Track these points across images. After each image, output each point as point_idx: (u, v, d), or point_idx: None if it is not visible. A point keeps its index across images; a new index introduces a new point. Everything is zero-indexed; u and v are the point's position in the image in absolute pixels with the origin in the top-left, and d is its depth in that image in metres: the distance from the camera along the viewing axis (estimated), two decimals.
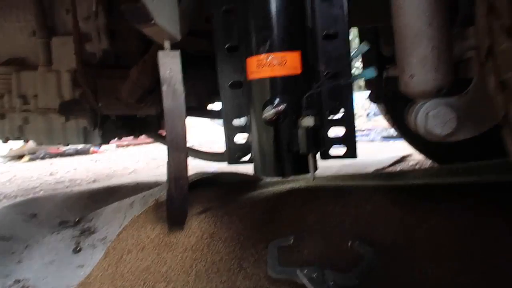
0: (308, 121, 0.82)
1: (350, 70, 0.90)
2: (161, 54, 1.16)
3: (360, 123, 6.36)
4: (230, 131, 1.03)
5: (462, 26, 0.94)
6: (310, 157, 0.85)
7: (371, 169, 3.13)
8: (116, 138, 1.95)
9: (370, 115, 6.80)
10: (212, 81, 1.93)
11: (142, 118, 2.04)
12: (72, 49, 1.68)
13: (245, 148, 1.02)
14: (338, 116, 0.94)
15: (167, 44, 1.20)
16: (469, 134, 0.71)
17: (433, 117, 0.71)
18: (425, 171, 1.63)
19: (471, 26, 0.92)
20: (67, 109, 1.73)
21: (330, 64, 0.92)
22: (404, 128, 2.81)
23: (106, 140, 1.81)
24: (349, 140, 0.93)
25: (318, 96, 0.91)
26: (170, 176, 1.21)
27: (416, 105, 0.81)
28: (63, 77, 1.74)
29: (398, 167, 3.17)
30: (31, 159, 5.72)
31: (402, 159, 3.46)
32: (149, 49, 1.71)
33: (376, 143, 5.11)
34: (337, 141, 0.94)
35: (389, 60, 2.38)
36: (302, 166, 0.87)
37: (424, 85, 0.76)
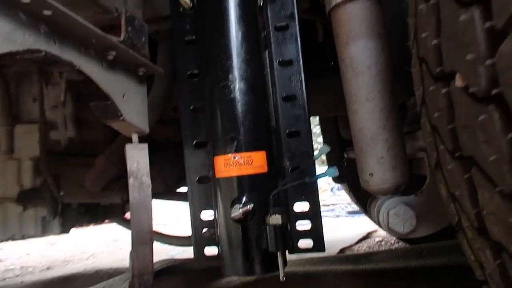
0: (276, 219, 0.83)
1: (314, 167, 0.95)
2: (128, 147, 1.17)
3: (324, 197, 6.45)
4: (198, 225, 1.02)
5: (411, 124, 1.04)
6: (279, 255, 0.85)
7: (338, 247, 3.12)
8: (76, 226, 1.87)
9: (333, 189, 6.93)
10: (178, 167, 1.95)
11: (105, 204, 1.98)
12: (36, 137, 1.67)
13: (212, 242, 1.00)
14: (304, 209, 0.96)
15: (135, 137, 1.22)
16: (429, 230, 0.75)
17: (394, 215, 0.75)
18: (391, 253, 1.65)
19: (418, 125, 1.02)
20: (26, 198, 1.66)
21: (295, 161, 0.96)
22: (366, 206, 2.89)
23: (66, 230, 1.73)
24: (315, 234, 0.94)
25: (284, 192, 0.93)
26: (134, 272, 1.16)
27: (377, 201, 0.85)
28: (24, 165, 1.69)
29: (364, 244, 3.19)
30: None
31: (368, 235, 3.49)
32: (116, 136, 1.72)
33: (342, 219, 5.15)
34: (304, 235, 0.95)
35: (348, 142, 2.52)
36: (271, 263, 0.87)
37: (383, 183, 0.81)
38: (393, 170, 0.80)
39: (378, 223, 0.82)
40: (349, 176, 2.54)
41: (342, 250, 3.03)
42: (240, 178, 0.88)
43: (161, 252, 3.07)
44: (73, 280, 2.63)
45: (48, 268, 3.65)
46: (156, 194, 1.74)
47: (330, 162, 2.71)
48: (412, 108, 1.00)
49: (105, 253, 4.21)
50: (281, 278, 0.83)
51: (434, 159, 0.54)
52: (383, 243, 3.11)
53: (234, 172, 0.88)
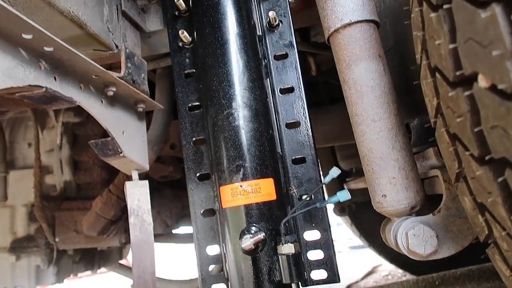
0: (289, 248, 0.79)
1: (323, 192, 0.92)
2: (128, 185, 1.13)
3: None
4: (204, 261, 0.97)
5: (417, 145, 1.03)
6: (293, 287, 0.80)
7: (344, 283, 3.02)
8: (71, 276, 1.78)
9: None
10: (177, 207, 1.90)
11: (102, 250, 1.90)
12: (30, 183, 1.63)
13: (220, 279, 0.95)
14: (315, 238, 0.93)
15: (135, 174, 1.19)
16: (451, 251, 0.72)
17: (413, 237, 0.72)
18: (403, 285, 1.59)
19: (426, 145, 1.01)
20: (19, 246, 1.59)
21: (302, 188, 0.94)
22: (371, 239, 2.83)
23: (61, 279, 1.65)
24: (329, 263, 0.90)
25: (293, 220, 0.90)
26: None
27: (392, 224, 0.82)
28: (18, 212, 1.64)
29: (370, 280, 3.09)
30: None
31: (373, 270, 3.39)
32: (112, 178, 1.68)
33: (344, 254, 5.02)
34: (317, 265, 0.90)
35: (347, 173, 2.51)
36: None
37: (397, 204, 0.78)
38: (406, 190, 0.78)
39: (396, 246, 0.78)
40: (351, 208, 2.51)
41: (349, 287, 2.93)
42: (248, 207, 0.84)
43: None
44: None
45: None
46: (156, 237, 1.68)
47: (330, 194, 2.68)
48: (417, 129, 1.00)
49: None
50: None
51: (455, 171, 0.52)
52: (389, 277, 3.01)
53: (241, 201, 0.85)
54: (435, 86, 0.53)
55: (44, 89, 0.80)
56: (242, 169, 0.86)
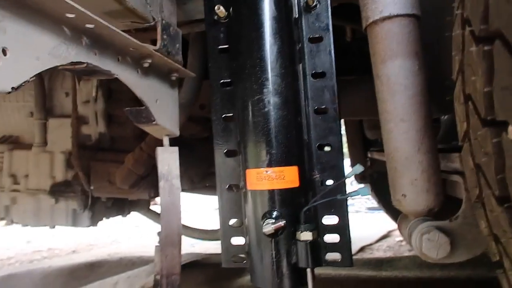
0: (307, 236, 0.84)
1: (344, 178, 0.94)
2: (159, 151, 1.19)
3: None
4: (227, 232, 1.04)
5: (444, 141, 1.02)
6: (309, 270, 0.86)
7: (358, 244, 3.12)
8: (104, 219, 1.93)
9: (353, 182, 6.89)
10: (204, 164, 1.98)
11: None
12: (68, 131, 1.72)
13: (241, 251, 1.02)
14: (332, 222, 0.97)
15: (166, 140, 1.24)
16: (464, 257, 0.75)
17: (427, 241, 0.75)
18: (415, 260, 1.64)
19: (452, 142, 1.00)
20: (57, 190, 1.73)
21: (325, 174, 0.97)
22: (389, 207, 2.87)
23: (95, 222, 1.79)
24: (344, 248, 0.95)
25: (314, 206, 0.94)
26: (162, 272, 1.20)
27: (409, 222, 0.84)
28: (56, 158, 1.75)
29: (384, 244, 3.18)
30: (7, 223, 5.49)
31: (388, 234, 3.47)
32: (145, 132, 1.75)
33: (361, 214, 5.13)
34: (332, 248, 0.95)
35: (372, 142, 2.50)
36: (299, 277, 0.88)
37: (416, 205, 0.80)
38: (427, 192, 0.80)
39: (410, 243, 0.82)
40: (372, 176, 2.53)
41: (362, 248, 3.03)
42: (271, 192, 0.89)
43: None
44: (98, 267, 2.71)
45: (74, 252, 3.79)
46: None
47: (353, 161, 2.70)
48: (446, 125, 0.99)
49: (127, 239, 4.33)
50: None
51: (476, 195, 0.53)
52: (403, 243, 3.08)
53: (266, 186, 0.89)
54: (467, 114, 0.53)
55: (85, 64, 0.84)
56: (268, 156, 0.89)
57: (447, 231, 0.75)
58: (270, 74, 0.91)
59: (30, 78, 0.65)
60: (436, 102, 0.94)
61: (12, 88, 0.60)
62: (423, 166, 0.80)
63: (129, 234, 4.57)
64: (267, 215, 0.87)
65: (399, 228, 0.94)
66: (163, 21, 1.06)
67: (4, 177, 1.80)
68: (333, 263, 0.95)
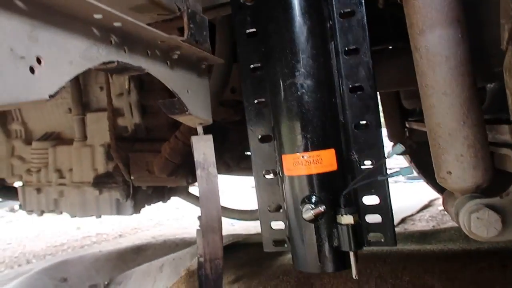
0: (348, 219, 0.83)
1: (384, 159, 0.92)
2: (195, 139, 1.20)
3: None
4: (266, 217, 1.05)
5: (490, 111, 0.96)
6: (352, 254, 0.85)
7: (399, 216, 3.08)
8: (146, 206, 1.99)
9: (391, 153, 6.74)
10: (239, 148, 1.98)
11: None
12: (105, 124, 1.76)
13: (281, 235, 1.03)
14: (374, 202, 0.95)
15: (200, 129, 1.25)
16: None
17: (476, 219, 0.72)
18: (460, 232, 1.59)
19: (499, 111, 0.94)
20: (100, 182, 1.79)
21: (363, 154, 0.94)
22: (430, 177, 2.79)
23: (137, 210, 1.85)
24: (387, 228, 0.93)
25: (354, 189, 0.92)
26: (205, 257, 1.23)
27: (455, 199, 0.81)
28: (97, 151, 1.81)
29: (426, 214, 3.11)
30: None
31: (430, 203, 3.39)
32: (178, 121, 1.77)
33: (401, 184, 5.03)
34: (374, 229, 0.94)
35: (410, 112, 2.41)
36: (342, 260, 0.88)
37: (463, 182, 0.77)
38: (474, 169, 0.76)
39: (457, 222, 0.79)
40: (411, 147, 2.45)
41: (404, 220, 2.98)
42: (309, 177, 0.88)
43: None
44: (144, 250, 2.83)
45: (120, 236, 3.97)
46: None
47: (391, 132, 2.63)
48: (492, 93, 0.93)
49: (169, 221, 4.48)
50: (354, 276, 0.84)
51: None
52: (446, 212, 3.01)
53: (303, 171, 0.88)
54: None
55: (116, 63, 0.84)
56: (304, 140, 0.87)
57: (497, 208, 0.71)
58: (301, 56, 0.88)
59: (65, 83, 0.66)
60: (481, 70, 0.88)
61: (50, 96, 0.61)
62: (469, 141, 0.76)
63: (171, 216, 4.72)
64: (306, 201, 0.86)
65: (444, 205, 0.91)
66: (189, 10, 1.04)
67: (50, 172, 1.88)
68: (376, 243, 0.94)
